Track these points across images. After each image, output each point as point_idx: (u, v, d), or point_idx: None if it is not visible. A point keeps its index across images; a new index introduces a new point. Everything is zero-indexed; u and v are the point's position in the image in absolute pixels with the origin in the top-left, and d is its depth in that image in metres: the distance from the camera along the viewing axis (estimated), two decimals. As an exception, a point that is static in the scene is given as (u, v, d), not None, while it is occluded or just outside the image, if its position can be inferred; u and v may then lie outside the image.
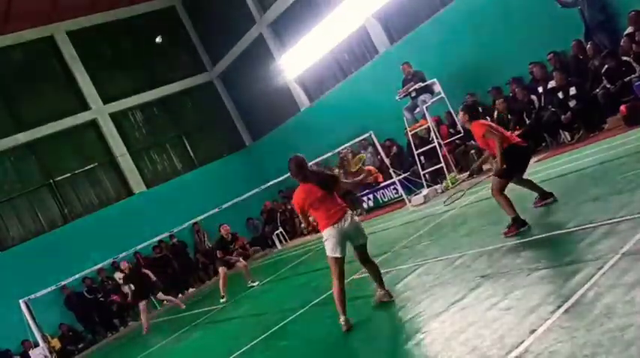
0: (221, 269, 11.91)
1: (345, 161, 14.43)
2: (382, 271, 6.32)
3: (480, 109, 7.23)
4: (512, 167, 6.26)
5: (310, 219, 5.92)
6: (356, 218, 5.71)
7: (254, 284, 11.74)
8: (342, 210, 5.58)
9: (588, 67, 10.20)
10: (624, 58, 9.46)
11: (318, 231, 7.27)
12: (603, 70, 9.66)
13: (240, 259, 12.49)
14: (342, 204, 5.67)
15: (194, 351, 8.79)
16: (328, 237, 5.50)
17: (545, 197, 6.55)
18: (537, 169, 9.05)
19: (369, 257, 5.84)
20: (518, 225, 5.99)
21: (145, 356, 9.93)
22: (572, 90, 10.04)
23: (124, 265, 13.09)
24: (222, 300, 11.51)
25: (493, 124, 6.71)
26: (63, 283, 12.68)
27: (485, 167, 11.63)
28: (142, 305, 12.46)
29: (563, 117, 10.01)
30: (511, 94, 11.75)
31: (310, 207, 5.58)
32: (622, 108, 8.93)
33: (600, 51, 10.02)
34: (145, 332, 12.29)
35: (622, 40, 9.68)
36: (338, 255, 5.48)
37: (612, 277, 3.86)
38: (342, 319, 5.52)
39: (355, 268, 8.15)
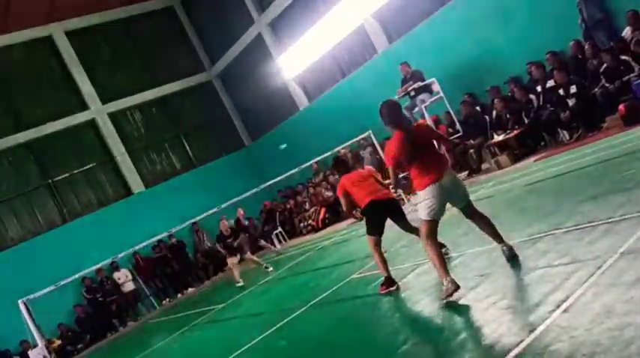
0: (229, 260, 12.19)
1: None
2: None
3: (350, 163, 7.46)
4: (374, 223, 6.16)
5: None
6: (451, 171, 5.04)
7: (269, 269, 12.00)
8: (444, 164, 4.95)
9: (587, 66, 10.21)
10: (623, 57, 9.46)
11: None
12: (602, 69, 9.67)
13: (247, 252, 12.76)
14: (443, 157, 5.19)
15: (193, 351, 8.79)
16: (427, 197, 4.79)
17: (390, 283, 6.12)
18: (536, 169, 9.07)
19: (477, 209, 5.18)
20: (388, 285, 6.03)
21: (144, 356, 9.93)
22: (573, 89, 10.04)
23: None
24: (237, 284, 11.98)
25: (355, 179, 6.41)
26: (62, 283, 12.61)
27: (483, 166, 11.67)
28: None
29: (562, 115, 10.02)
30: (510, 94, 11.76)
31: (407, 161, 4.85)
32: (621, 107, 8.93)
33: (599, 50, 10.03)
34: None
35: (620, 39, 9.70)
36: (436, 218, 4.86)
37: (611, 276, 3.86)
38: (447, 280, 4.75)
39: (354, 268, 8.18)
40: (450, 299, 4.75)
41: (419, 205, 4.90)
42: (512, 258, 5.04)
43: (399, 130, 4.91)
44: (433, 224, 4.87)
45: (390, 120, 4.99)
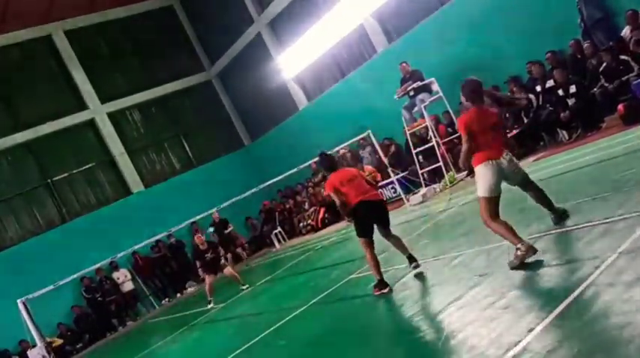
0: (207, 278, 11.73)
1: (344, 161, 14.43)
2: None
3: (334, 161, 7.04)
4: (363, 225, 6.23)
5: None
6: (511, 155, 5.26)
7: (244, 287, 11.49)
8: (502, 145, 5.20)
9: (586, 66, 10.21)
10: (622, 57, 9.46)
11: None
12: (601, 69, 9.67)
13: (226, 265, 12.10)
14: (503, 138, 5.45)
15: (192, 351, 8.79)
16: (485, 173, 5.00)
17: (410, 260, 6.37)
18: (535, 168, 9.06)
19: (533, 184, 5.49)
20: (380, 287, 6.13)
21: (144, 356, 9.93)
22: (572, 89, 10.04)
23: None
24: (209, 305, 11.36)
25: (344, 179, 6.36)
26: (61, 282, 12.60)
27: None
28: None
29: (562, 115, 10.01)
30: (509, 93, 11.75)
31: (478, 133, 5.06)
32: (620, 107, 8.92)
33: (598, 49, 10.03)
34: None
35: (619, 39, 9.70)
36: (495, 194, 5.01)
37: (610, 275, 3.86)
38: (524, 246, 4.78)
39: (353, 268, 8.18)
40: (527, 260, 4.79)
41: (477, 182, 5.10)
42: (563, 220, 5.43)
43: (475, 106, 5.24)
44: (492, 201, 5.00)
45: (469, 96, 5.33)
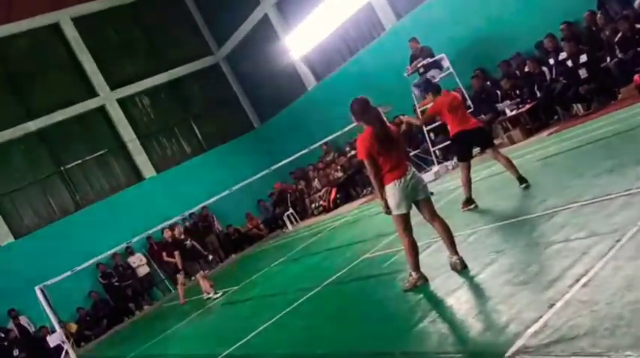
0: (179, 277, 11.74)
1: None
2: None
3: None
4: (462, 150, 7.18)
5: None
6: (416, 171, 5.27)
7: (210, 295, 11.13)
8: (405, 163, 5.19)
9: (600, 37, 10.00)
10: (638, 26, 9.25)
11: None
12: (616, 39, 9.46)
13: (199, 271, 11.69)
14: (405, 156, 5.51)
15: (210, 333, 8.85)
16: (394, 192, 5.05)
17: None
18: (551, 142, 8.94)
19: (437, 212, 5.33)
20: (469, 204, 7.13)
21: (161, 339, 10.02)
22: (583, 58, 9.84)
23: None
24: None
25: (452, 104, 7.12)
26: (78, 268, 12.73)
27: (496, 141, 11.53)
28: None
29: (580, 88, 9.81)
30: (517, 71, 11.59)
31: (376, 154, 5.05)
32: (636, 77, 8.75)
33: (612, 19, 9.81)
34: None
35: (632, 10, 9.48)
36: (404, 211, 5.11)
37: (631, 249, 3.79)
38: (414, 276, 5.26)
39: (365, 248, 8.15)
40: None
41: (388, 199, 5.11)
42: (461, 268, 5.12)
43: (369, 126, 5.13)
44: (402, 218, 5.15)
45: (360, 116, 5.23)
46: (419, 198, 5.15)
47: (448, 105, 7.08)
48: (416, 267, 5.28)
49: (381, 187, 5.11)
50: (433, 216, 5.24)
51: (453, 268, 5.17)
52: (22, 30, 17.87)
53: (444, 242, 5.28)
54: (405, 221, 5.16)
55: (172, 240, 12.08)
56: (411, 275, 5.30)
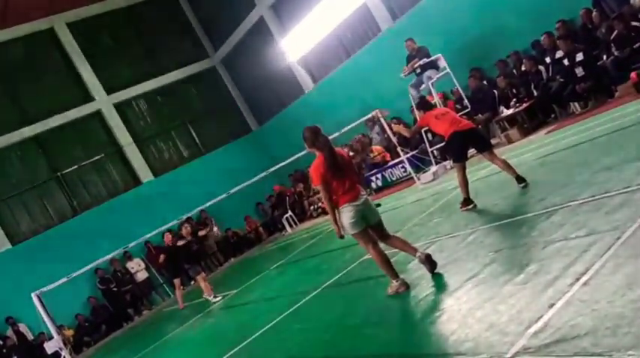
0: (176, 281, 11.79)
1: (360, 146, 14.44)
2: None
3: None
4: (458, 150, 7.12)
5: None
6: (366, 196, 5.50)
7: (209, 298, 11.24)
8: (357, 187, 5.39)
9: (596, 34, 9.99)
10: (633, 23, 9.23)
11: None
12: (612, 37, 9.45)
13: (200, 273, 11.88)
14: (357, 181, 5.56)
15: (208, 337, 8.81)
16: (346, 215, 5.26)
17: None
18: (549, 141, 8.92)
19: (388, 232, 5.60)
20: (467, 204, 7.06)
21: (160, 344, 9.98)
22: (579, 57, 9.83)
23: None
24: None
25: (439, 112, 7.42)
26: (75, 274, 12.66)
27: (493, 141, 11.51)
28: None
29: (577, 86, 9.79)
30: (514, 69, 11.57)
31: (332, 180, 5.23)
32: (632, 75, 8.73)
33: (608, 17, 9.80)
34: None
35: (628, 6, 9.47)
36: (360, 228, 5.31)
37: (631, 246, 3.76)
38: (395, 283, 5.39)
39: (364, 250, 8.10)
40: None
41: (343, 221, 5.30)
42: (429, 264, 5.37)
43: (321, 153, 5.30)
44: (362, 234, 5.34)
45: (311, 144, 5.39)
46: (371, 223, 5.37)
47: (434, 115, 7.33)
48: (393, 274, 5.40)
49: (334, 213, 5.30)
50: (385, 238, 5.50)
51: (424, 261, 5.36)
52: (17, 35, 17.82)
53: (405, 251, 5.57)
54: (364, 236, 5.37)
55: (172, 244, 12.12)
56: (391, 283, 5.41)
